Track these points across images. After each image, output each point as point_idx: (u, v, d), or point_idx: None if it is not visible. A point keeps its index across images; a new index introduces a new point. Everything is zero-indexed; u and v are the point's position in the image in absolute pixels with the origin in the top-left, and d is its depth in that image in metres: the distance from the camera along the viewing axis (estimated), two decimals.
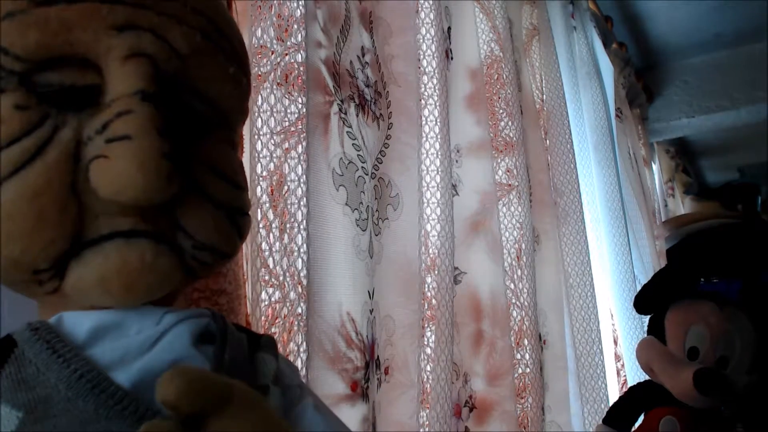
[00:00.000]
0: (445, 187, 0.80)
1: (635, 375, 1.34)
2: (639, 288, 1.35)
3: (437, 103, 0.82)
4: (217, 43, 0.33)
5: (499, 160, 1.02)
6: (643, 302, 0.89)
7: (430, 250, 0.79)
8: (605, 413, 0.90)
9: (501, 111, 1.03)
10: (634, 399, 0.89)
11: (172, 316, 0.30)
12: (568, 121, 1.26)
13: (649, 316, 0.93)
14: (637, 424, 0.88)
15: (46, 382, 0.27)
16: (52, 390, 0.27)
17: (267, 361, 0.35)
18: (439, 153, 0.81)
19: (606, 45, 1.66)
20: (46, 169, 0.27)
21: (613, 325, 1.44)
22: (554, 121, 1.24)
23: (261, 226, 0.54)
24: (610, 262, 1.42)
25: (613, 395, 1.18)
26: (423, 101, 0.82)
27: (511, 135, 1.02)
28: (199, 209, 0.31)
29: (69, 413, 0.26)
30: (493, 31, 1.05)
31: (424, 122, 0.82)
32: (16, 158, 0.27)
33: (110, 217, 0.28)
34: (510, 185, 1.02)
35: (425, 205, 0.80)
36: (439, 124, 0.82)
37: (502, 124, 1.03)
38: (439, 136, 0.82)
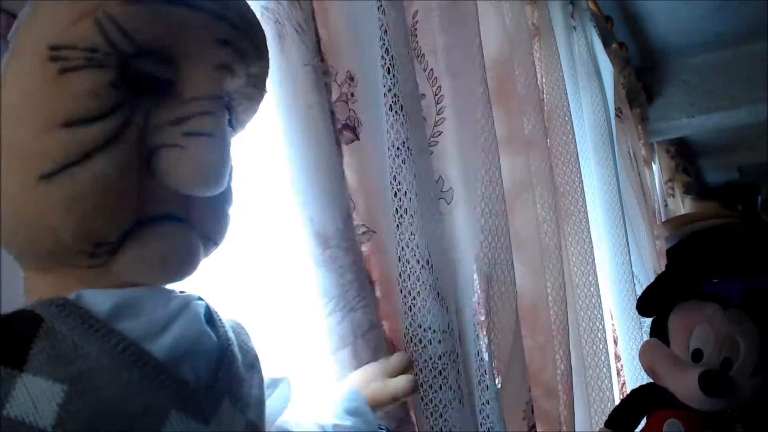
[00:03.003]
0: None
1: (634, 375, 1.34)
2: (638, 288, 1.35)
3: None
4: (265, 78, 0.37)
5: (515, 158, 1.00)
6: (646, 304, 0.88)
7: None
8: (608, 416, 0.89)
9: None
10: (636, 402, 0.88)
11: (182, 297, 0.33)
12: (571, 121, 1.25)
13: (649, 318, 0.93)
14: (639, 428, 0.88)
15: (87, 355, 0.27)
16: (94, 363, 0.27)
17: (248, 341, 0.39)
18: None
19: (606, 45, 1.65)
20: (130, 148, 0.29)
21: (613, 325, 1.44)
22: (556, 121, 1.24)
23: None
24: (609, 263, 1.41)
25: (614, 395, 1.17)
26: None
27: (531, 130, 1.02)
28: (211, 204, 0.33)
29: (114, 385, 0.27)
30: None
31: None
32: (107, 133, 0.28)
33: (157, 201, 0.30)
34: (526, 182, 1.01)
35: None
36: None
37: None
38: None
